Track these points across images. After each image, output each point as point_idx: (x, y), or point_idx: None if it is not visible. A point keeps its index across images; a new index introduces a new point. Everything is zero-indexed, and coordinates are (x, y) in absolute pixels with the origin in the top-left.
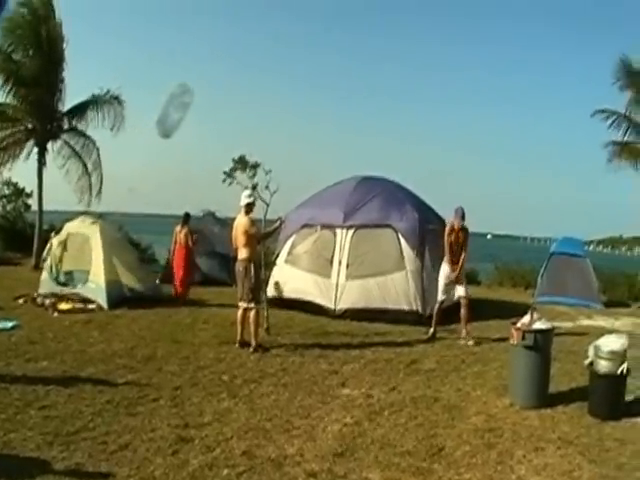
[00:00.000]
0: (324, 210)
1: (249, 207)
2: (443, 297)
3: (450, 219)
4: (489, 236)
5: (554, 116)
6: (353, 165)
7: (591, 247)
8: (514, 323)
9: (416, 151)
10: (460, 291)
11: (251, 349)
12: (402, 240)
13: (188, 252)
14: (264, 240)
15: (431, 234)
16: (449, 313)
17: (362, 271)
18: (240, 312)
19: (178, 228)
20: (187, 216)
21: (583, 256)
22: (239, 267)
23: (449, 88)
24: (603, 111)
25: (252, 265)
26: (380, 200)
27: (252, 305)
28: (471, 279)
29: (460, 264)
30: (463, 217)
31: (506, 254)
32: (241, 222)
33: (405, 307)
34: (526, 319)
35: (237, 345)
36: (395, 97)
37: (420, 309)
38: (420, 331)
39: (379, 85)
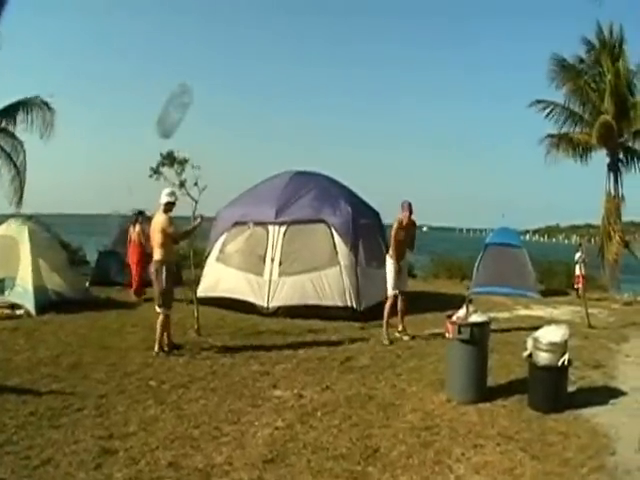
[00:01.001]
0: (256, 207)
1: (168, 206)
2: (395, 291)
3: (398, 215)
4: (425, 228)
5: (489, 107)
6: (284, 162)
7: (527, 237)
8: (449, 316)
9: (344, 146)
10: (403, 284)
11: (154, 352)
12: (335, 235)
13: (142, 250)
14: (183, 240)
15: (365, 228)
16: (378, 306)
17: (295, 267)
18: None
19: (132, 227)
20: (140, 214)
21: (519, 246)
22: (152, 269)
23: (375, 82)
24: (540, 102)
25: (164, 268)
26: (313, 195)
27: (160, 310)
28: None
29: (404, 255)
30: (411, 211)
31: (442, 246)
32: (158, 220)
33: (339, 303)
34: (462, 312)
35: (166, 349)
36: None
37: (354, 304)
38: (354, 327)
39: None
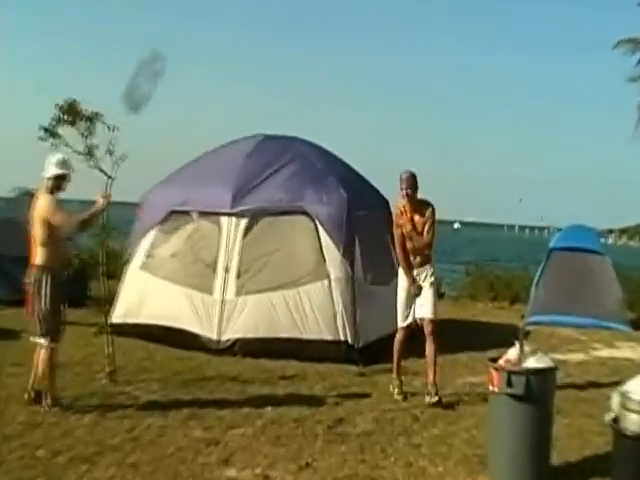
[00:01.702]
0: (203, 188)
1: (56, 182)
2: (405, 322)
3: (397, 199)
4: (457, 225)
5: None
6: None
7: (610, 239)
8: (494, 360)
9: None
10: (425, 310)
11: (45, 406)
12: (322, 233)
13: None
14: (79, 232)
15: (367, 223)
16: (385, 341)
17: (261, 282)
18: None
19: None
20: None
21: (599, 252)
22: (28, 278)
23: None
24: (631, 40)
25: (48, 277)
26: (290, 172)
27: (42, 341)
28: None
29: (421, 263)
30: (415, 187)
31: (482, 250)
32: (40, 205)
33: (327, 336)
34: (513, 353)
35: (26, 397)
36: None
37: (350, 338)
38: (349, 372)
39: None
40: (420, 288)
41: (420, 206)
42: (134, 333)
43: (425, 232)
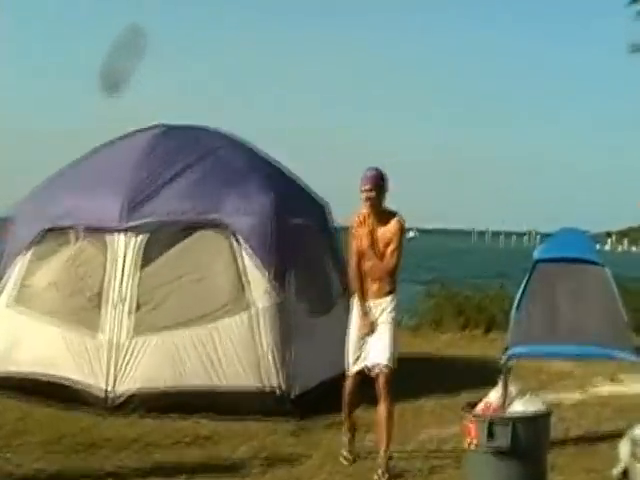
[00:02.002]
0: (85, 198)
1: None
2: (356, 367)
3: (357, 212)
4: (412, 233)
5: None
6: None
7: (608, 245)
8: (470, 406)
9: None
10: (377, 355)
11: None
12: (244, 251)
13: None
14: None
15: (301, 234)
16: (328, 388)
17: (164, 317)
18: None
19: None
20: None
21: (597, 263)
22: None
23: None
24: None
25: None
26: (199, 173)
27: None
28: None
29: (379, 292)
30: (381, 190)
31: (447, 264)
32: None
33: (251, 384)
34: (494, 396)
35: None
36: None
37: (282, 385)
38: (281, 430)
39: None
40: (372, 325)
41: (386, 217)
42: (4, 386)
43: (389, 254)
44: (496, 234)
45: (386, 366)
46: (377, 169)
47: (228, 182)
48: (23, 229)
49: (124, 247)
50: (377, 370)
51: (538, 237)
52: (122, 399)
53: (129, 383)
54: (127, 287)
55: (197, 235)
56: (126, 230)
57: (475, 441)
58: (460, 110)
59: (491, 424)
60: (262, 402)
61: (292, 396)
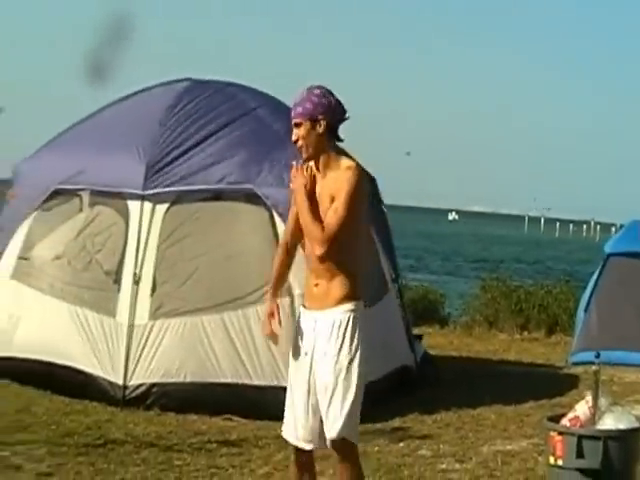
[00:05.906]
0: (101, 157)
1: None
2: (301, 440)
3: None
4: (452, 215)
5: None
6: None
7: None
8: (554, 419)
9: None
10: (328, 421)
11: None
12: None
13: None
14: None
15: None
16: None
17: (188, 299)
18: None
19: None
20: None
21: None
22: None
23: None
24: None
25: None
26: (233, 136)
27: None
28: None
29: (328, 295)
30: (319, 122)
31: (492, 255)
32: None
33: None
34: (581, 409)
35: None
36: None
37: None
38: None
39: None
40: (276, 338)
41: (334, 163)
42: (3, 372)
43: (329, 216)
44: (550, 220)
45: (341, 440)
46: (320, 86)
47: (267, 147)
48: (25, 192)
49: (144, 217)
50: (328, 444)
51: (598, 227)
52: (138, 392)
53: (146, 374)
54: (145, 262)
55: (228, 206)
56: (147, 197)
57: (562, 459)
58: None
59: (580, 440)
60: None
61: None
